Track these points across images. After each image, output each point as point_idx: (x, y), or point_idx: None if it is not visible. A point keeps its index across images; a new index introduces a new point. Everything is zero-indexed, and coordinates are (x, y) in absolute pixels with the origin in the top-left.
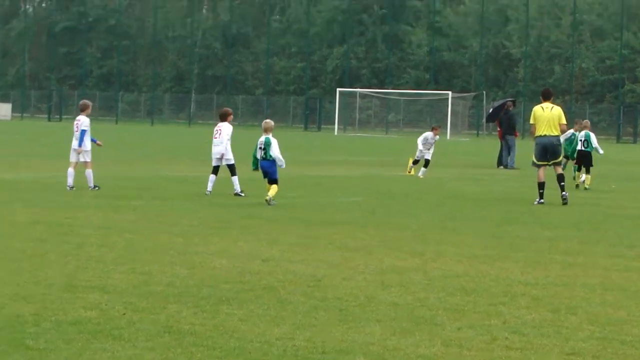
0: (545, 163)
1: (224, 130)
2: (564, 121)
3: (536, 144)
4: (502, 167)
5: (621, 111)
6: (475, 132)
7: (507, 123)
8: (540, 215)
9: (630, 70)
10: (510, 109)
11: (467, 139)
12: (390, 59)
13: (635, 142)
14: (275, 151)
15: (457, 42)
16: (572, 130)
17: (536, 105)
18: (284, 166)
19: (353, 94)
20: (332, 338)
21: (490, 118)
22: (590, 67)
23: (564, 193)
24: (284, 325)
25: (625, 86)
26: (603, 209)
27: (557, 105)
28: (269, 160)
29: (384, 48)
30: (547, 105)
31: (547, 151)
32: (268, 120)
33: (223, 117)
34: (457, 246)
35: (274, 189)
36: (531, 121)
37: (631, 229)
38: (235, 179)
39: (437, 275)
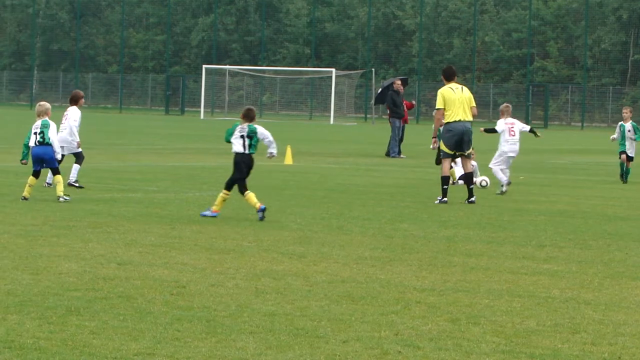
0: (456, 153)
1: (71, 115)
2: (474, 104)
3: (449, 130)
4: (394, 156)
5: (530, 91)
6: (363, 115)
7: (392, 105)
8: (437, 212)
9: (540, 44)
10: (397, 88)
11: (354, 123)
12: (265, 32)
13: (545, 126)
14: (52, 134)
15: (341, 11)
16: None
17: (437, 84)
18: None
19: (222, 72)
20: (199, 353)
21: (379, 99)
22: (494, 40)
23: (472, 199)
24: (142, 339)
25: (535, 63)
26: (510, 204)
27: (463, 85)
28: (45, 145)
29: (257, 18)
30: (455, 86)
31: (463, 140)
32: (42, 103)
33: (73, 101)
34: (342, 247)
35: (59, 182)
36: (440, 105)
37: (541, 226)
38: (76, 167)
39: (320, 281)
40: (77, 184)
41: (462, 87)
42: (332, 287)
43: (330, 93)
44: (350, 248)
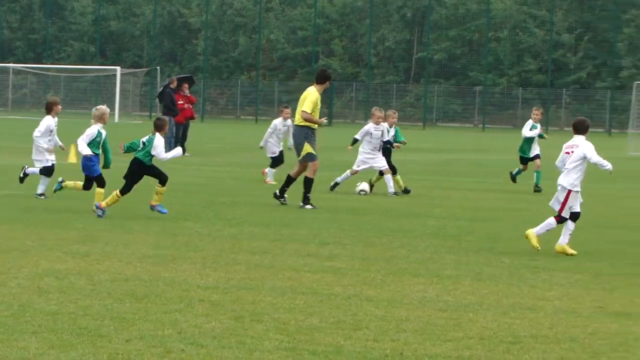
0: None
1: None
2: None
3: (313, 133)
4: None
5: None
6: (148, 113)
7: (170, 103)
8: (222, 210)
9: (325, 42)
10: (173, 86)
11: (140, 121)
12: (49, 29)
13: (330, 124)
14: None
15: (127, 9)
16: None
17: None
18: None
19: (5, 70)
20: None
21: (161, 97)
22: (279, 38)
23: (283, 199)
24: None
25: (320, 61)
26: (297, 202)
27: None
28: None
29: (41, 16)
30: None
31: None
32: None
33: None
34: (126, 246)
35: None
36: (311, 108)
37: (326, 223)
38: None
39: (103, 280)
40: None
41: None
42: (115, 285)
43: (115, 91)
44: (134, 246)
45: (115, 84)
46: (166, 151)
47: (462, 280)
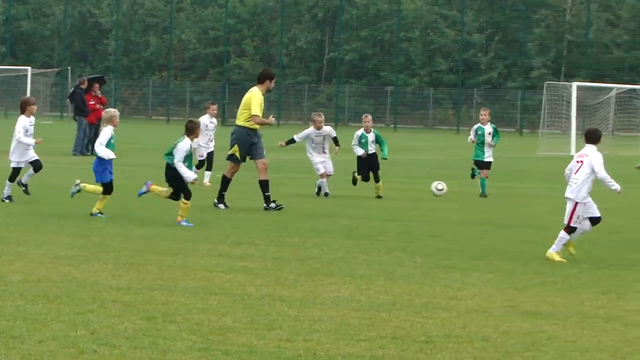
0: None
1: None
2: (248, 107)
3: (253, 135)
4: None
5: (227, 89)
6: (59, 113)
7: (81, 104)
8: (134, 210)
9: (236, 42)
10: (83, 86)
11: (51, 122)
12: None
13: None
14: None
15: (37, 10)
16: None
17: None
18: None
19: None
20: None
21: (72, 98)
22: (191, 38)
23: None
24: None
25: (232, 61)
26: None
27: None
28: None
29: None
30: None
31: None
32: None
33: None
34: (39, 246)
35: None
36: (261, 111)
37: (239, 223)
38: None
39: (15, 280)
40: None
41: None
42: (27, 286)
43: (26, 91)
44: (46, 247)
45: (26, 84)
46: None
47: (375, 280)
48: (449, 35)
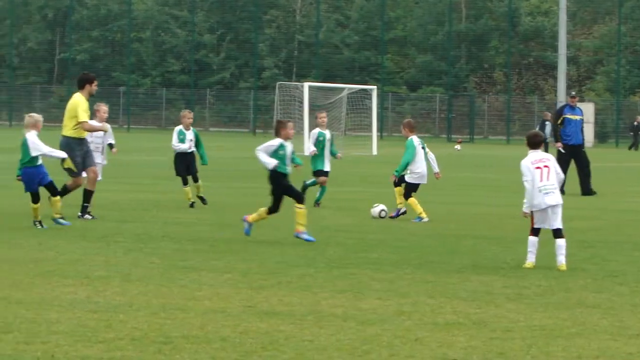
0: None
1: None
2: (74, 114)
3: (80, 143)
4: None
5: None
6: None
7: None
8: None
9: None
10: None
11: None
12: None
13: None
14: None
15: None
16: None
17: None
18: None
19: None
20: None
21: None
22: None
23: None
24: None
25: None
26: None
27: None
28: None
29: None
30: None
31: None
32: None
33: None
34: None
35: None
36: (88, 117)
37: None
38: None
39: None
40: None
41: None
42: None
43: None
44: None
45: None
46: None
47: (112, 281)
48: (180, 36)
